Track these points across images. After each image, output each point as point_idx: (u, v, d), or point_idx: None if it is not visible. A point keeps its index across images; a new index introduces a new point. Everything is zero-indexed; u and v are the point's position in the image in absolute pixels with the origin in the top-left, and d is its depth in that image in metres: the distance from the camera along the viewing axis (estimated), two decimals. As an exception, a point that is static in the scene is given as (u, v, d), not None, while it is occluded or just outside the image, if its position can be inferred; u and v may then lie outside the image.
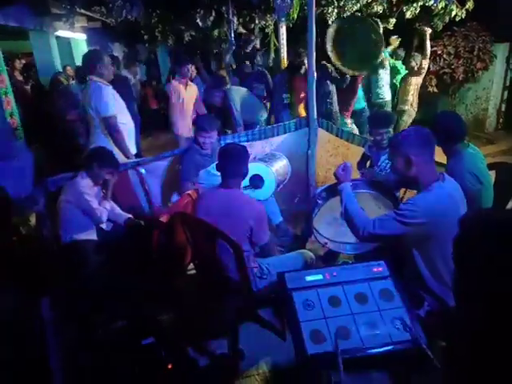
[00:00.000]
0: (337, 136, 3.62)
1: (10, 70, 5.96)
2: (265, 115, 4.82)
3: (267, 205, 2.99)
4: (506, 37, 6.14)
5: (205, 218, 2.07)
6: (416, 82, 5.19)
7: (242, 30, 6.18)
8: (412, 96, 5.22)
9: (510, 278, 1.01)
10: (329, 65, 4.33)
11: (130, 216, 2.89)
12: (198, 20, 5.81)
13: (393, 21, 5.51)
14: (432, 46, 6.25)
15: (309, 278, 1.66)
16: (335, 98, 4.44)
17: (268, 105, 5.51)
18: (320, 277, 1.67)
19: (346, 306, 1.56)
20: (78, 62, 7.07)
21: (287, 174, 3.17)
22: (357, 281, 1.65)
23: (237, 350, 2.12)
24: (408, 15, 5.24)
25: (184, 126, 4.53)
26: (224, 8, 5.78)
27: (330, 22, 5.54)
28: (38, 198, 2.69)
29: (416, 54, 5.26)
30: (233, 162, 2.13)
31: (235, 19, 5.92)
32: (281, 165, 3.12)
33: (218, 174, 2.20)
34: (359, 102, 5.20)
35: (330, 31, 4.29)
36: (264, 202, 2.75)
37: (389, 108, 5.48)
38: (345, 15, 5.49)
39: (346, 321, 1.51)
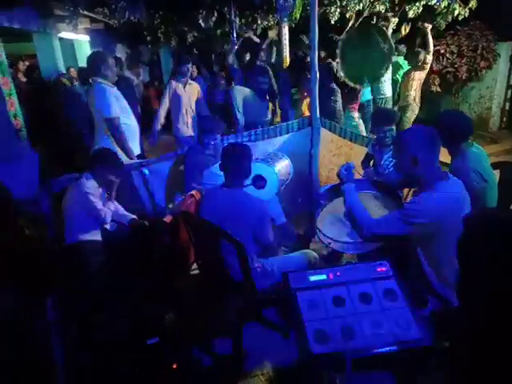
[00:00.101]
0: (340, 136, 3.62)
1: (14, 71, 6.01)
2: (267, 117, 4.78)
3: (270, 205, 2.99)
4: (510, 35, 6.12)
5: (208, 218, 2.08)
6: (419, 77, 5.16)
7: (255, 38, 6.14)
8: (415, 91, 5.18)
9: (514, 277, 1.01)
10: (334, 63, 4.32)
11: (134, 217, 2.90)
12: (201, 21, 5.83)
13: (395, 20, 5.49)
14: (435, 45, 6.24)
15: (312, 278, 1.66)
16: (339, 96, 4.43)
17: (270, 105, 5.52)
18: (324, 277, 1.66)
19: (349, 306, 1.56)
20: (82, 63, 7.12)
21: (290, 174, 3.17)
22: (360, 281, 1.64)
23: (241, 350, 2.12)
24: (411, 14, 5.22)
25: (182, 126, 4.41)
26: (226, 9, 5.80)
27: (332, 22, 5.55)
28: (43, 198, 2.70)
29: (419, 49, 5.25)
30: (236, 161, 2.14)
31: (237, 20, 5.93)
32: (283, 165, 3.13)
33: (222, 173, 2.21)
34: (365, 94, 5.19)
35: (340, 44, 4.30)
36: (267, 203, 2.75)
37: (389, 104, 5.47)
38: (347, 15, 5.49)
39: (350, 321, 1.50)
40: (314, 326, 1.48)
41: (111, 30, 7.45)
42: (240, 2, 5.73)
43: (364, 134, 4.64)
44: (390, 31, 4.83)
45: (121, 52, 9.21)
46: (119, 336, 2.09)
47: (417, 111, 5.31)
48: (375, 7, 5.33)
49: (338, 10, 5.45)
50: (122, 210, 2.89)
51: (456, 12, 5.28)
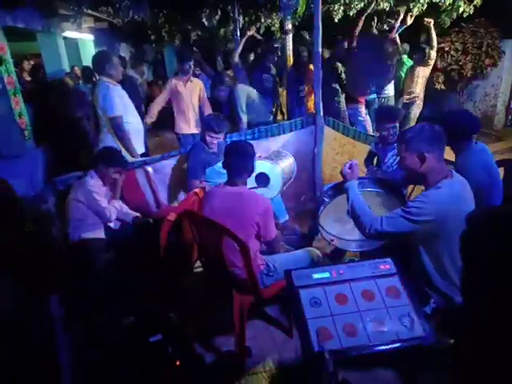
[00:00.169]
0: (343, 134, 3.62)
1: (19, 70, 6.05)
2: (270, 118, 4.73)
3: (273, 203, 2.99)
4: (515, 33, 6.07)
5: (211, 215, 2.08)
6: (424, 73, 5.13)
7: (258, 37, 6.12)
8: (420, 88, 5.15)
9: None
10: (339, 64, 4.30)
11: (138, 215, 2.92)
12: (204, 19, 5.84)
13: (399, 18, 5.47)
14: (439, 43, 6.20)
15: (316, 276, 1.66)
16: (342, 97, 4.41)
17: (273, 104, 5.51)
18: (327, 274, 1.66)
19: (352, 304, 1.56)
20: (86, 62, 7.15)
21: (293, 173, 3.17)
22: (363, 278, 1.64)
23: (244, 347, 2.13)
24: (415, 12, 5.19)
25: (183, 124, 4.34)
26: (230, 7, 5.80)
27: (336, 20, 5.53)
28: (47, 196, 2.72)
29: (423, 45, 5.22)
30: (239, 159, 2.14)
31: (241, 18, 5.93)
32: (287, 163, 3.13)
33: (225, 171, 2.21)
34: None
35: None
36: (270, 200, 2.75)
37: (392, 103, 5.44)
38: (351, 13, 5.48)
39: (353, 318, 1.50)
40: (317, 323, 1.48)
41: (115, 29, 7.47)
42: (243, 1, 5.73)
43: (370, 130, 4.61)
44: (396, 27, 4.79)
45: (125, 51, 9.24)
46: (123, 333, 2.11)
47: (421, 108, 5.28)
48: (379, 4, 5.31)
49: (342, 7, 5.44)
50: (125, 208, 2.91)
51: (461, 9, 5.26)
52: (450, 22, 5.66)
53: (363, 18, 4.95)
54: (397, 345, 1.43)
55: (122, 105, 3.17)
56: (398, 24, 4.80)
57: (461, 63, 6.24)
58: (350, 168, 2.09)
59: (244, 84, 4.68)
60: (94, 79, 5.39)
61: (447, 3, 5.16)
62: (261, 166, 2.81)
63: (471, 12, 5.31)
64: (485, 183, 2.19)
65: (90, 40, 8.04)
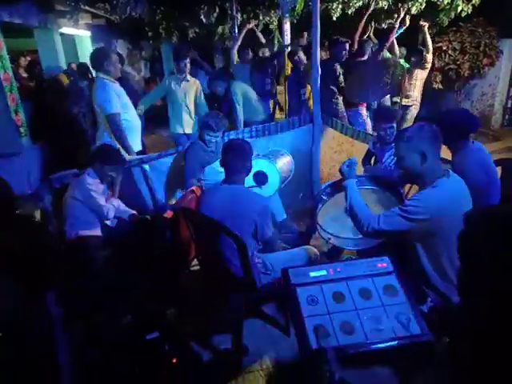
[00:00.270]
0: (341, 132, 3.62)
1: (15, 67, 6.00)
2: (264, 116, 4.69)
3: (271, 201, 3.00)
4: (513, 32, 6.08)
5: (209, 213, 2.08)
6: (421, 76, 5.13)
7: (258, 33, 6.09)
8: (417, 91, 5.15)
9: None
10: (337, 66, 4.28)
11: (135, 212, 2.91)
12: (202, 16, 5.81)
13: (399, 17, 5.46)
14: (437, 42, 6.21)
15: (313, 274, 1.66)
16: (340, 98, 4.38)
17: (271, 103, 5.48)
18: (324, 272, 1.66)
19: (349, 302, 1.56)
20: (83, 59, 7.11)
21: (291, 171, 3.17)
22: (361, 276, 1.64)
23: (241, 345, 2.13)
24: (413, 11, 5.19)
25: (175, 123, 4.28)
26: (228, 4, 5.78)
27: (334, 19, 5.52)
28: (44, 194, 2.71)
29: (421, 47, 5.21)
30: (236, 157, 2.13)
31: (239, 15, 5.90)
32: (285, 161, 3.12)
33: (223, 170, 2.21)
34: None
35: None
36: (268, 199, 2.75)
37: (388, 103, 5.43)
38: (349, 11, 5.47)
39: (350, 316, 1.51)
40: (314, 321, 1.48)
41: (112, 26, 7.43)
42: (242, -2, 5.72)
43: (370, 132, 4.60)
44: (396, 27, 4.78)
45: (122, 48, 9.18)
46: (122, 332, 2.10)
47: (418, 109, 5.29)
48: (378, 3, 5.30)
49: (340, 6, 5.43)
50: (122, 205, 2.90)
51: (459, 8, 5.25)
52: (448, 21, 5.65)
53: (363, 22, 4.95)
54: (394, 343, 1.43)
55: (119, 102, 3.15)
56: (397, 25, 4.79)
57: (458, 62, 6.24)
58: (348, 166, 2.09)
59: (244, 82, 4.64)
60: (89, 76, 5.35)
61: (445, 2, 5.15)
62: (259, 164, 2.81)
63: (469, 11, 5.30)
64: (482, 182, 2.20)
65: (87, 36, 8.00)
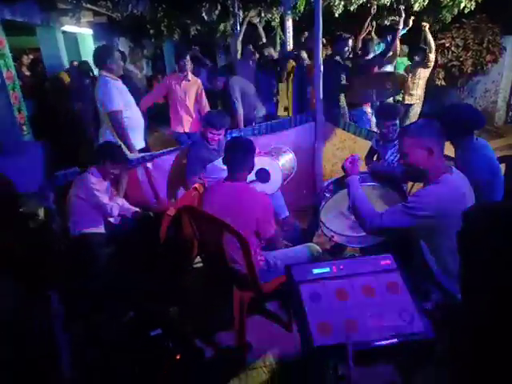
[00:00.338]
0: (343, 129, 3.61)
1: (18, 65, 6.01)
2: (262, 113, 4.66)
3: (273, 199, 2.99)
4: (516, 29, 6.05)
5: (211, 211, 2.08)
6: (424, 75, 5.11)
7: (260, 28, 6.08)
8: (421, 90, 5.13)
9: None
10: (340, 62, 4.26)
11: (138, 210, 2.91)
12: (204, 14, 5.81)
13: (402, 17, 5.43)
14: (440, 39, 6.18)
15: (316, 271, 1.65)
16: (343, 95, 4.37)
17: (275, 99, 5.46)
18: (327, 270, 1.66)
19: (352, 299, 1.56)
20: (85, 56, 7.11)
21: (293, 168, 3.16)
22: (364, 274, 1.64)
23: (244, 342, 2.13)
24: (416, 7, 5.17)
25: (175, 122, 4.28)
26: (229, 1, 5.77)
27: (336, 15, 5.50)
28: (47, 192, 2.71)
29: (423, 46, 5.19)
30: (239, 155, 2.13)
31: (241, 13, 5.89)
32: (287, 159, 3.12)
33: (225, 167, 2.21)
34: None
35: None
36: (270, 196, 2.74)
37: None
38: (351, 8, 5.45)
39: (353, 313, 1.51)
40: (317, 318, 1.48)
41: (114, 24, 7.44)
42: (243, -5, 5.71)
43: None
44: (400, 25, 4.75)
45: (124, 45, 9.19)
46: (123, 332, 2.11)
47: (421, 107, 5.27)
48: (380, 0, 5.29)
49: (342, 2, 5.41)
50: (127, 204, 2.91)
51: (462, 5, 5.23)
52: (451, 17, 5.63)
53: (366, 24, 4.92)
54: (397, 340, 1.43)
55: (121, 99, 3.16)
56: (401, 26, 4.75)
57: (461, 59, 6.21)
58: (351, 163, 2.09)
59: (248, 80, 4.60)
60: (91, 74, 5.36)
61: (448, -1, 5.14)
62: (261, 161, 2.81)
63: (472, 8, 5.29)
64: (486, 179, 2.18)
65: (89, 34, 8.00)
